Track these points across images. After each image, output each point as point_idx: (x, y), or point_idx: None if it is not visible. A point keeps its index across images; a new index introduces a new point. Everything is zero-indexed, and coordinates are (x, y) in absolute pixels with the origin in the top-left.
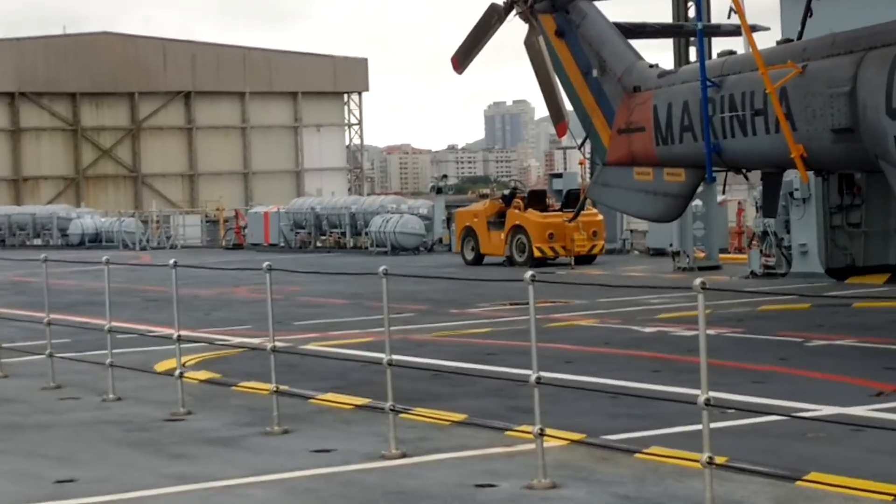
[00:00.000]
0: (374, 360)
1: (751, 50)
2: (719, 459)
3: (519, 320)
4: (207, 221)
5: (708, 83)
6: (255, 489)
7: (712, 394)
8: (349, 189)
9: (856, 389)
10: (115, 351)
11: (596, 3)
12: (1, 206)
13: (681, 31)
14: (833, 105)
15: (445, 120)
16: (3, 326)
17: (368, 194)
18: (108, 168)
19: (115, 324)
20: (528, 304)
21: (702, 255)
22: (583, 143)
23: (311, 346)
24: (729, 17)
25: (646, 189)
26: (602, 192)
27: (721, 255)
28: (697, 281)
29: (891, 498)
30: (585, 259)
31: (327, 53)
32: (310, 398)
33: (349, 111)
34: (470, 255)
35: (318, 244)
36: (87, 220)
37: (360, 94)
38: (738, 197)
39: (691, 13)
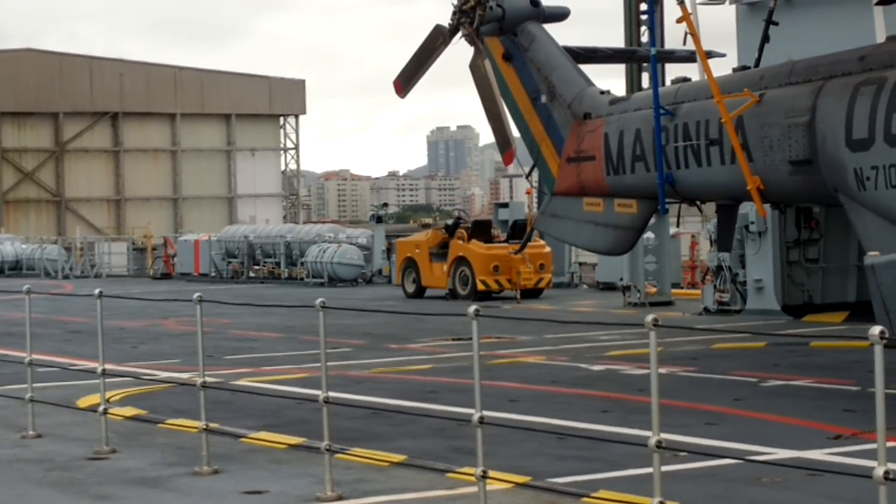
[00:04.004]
0: (309, 397)
1: (706, 77)
2: None
3: (462, 356)
4: (134, 249)
5: (661, 111)
6: None
7: (664, 436)
8: (284, 217)
9: (813, 432)
10: (35, 385)
11: (545, 27)
12: None
13: (633, 57)
14: (791, 136)
15: (386, 145)
16: None
17: (304, 222)
18: (30, 192)
19: (35, 356)
20: (471, 339)
21: (653, 290)
22: (530, 172)
23: (242, 382)
24: (684, 42)
25: (596, 220)
26: (550, 222)
27: (673, 291)
28: (649, 317)
29: None
30: (532, 293)
31: (263, 74)
32: (241, 437)
33: (285, 135)
34: (411, 288)
35: (252, 274)
36: (6, 246)
37: (296, 116)
38: (691, 230)
39: (644, 38)
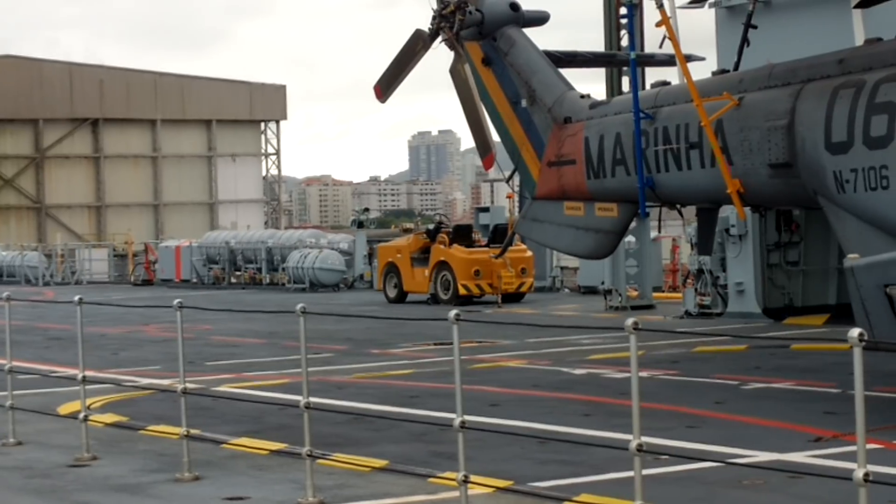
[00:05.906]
0: (290, 403)
1: (685, 80)
2: None
3: (443, 361)
4: (115, 256)
5: (641, 115)
6: None
7: (645, 439)
8: (266, 222)
9: (794, 435)
10: (15, 392)
11: (525, 31)
12: None
13: (613, 61)
14: (770, 139)
15: (367, 150)
16: None
17: (286, 228)
18: (9, 199)
19: (15, 363)
20: (452, 344)
21: (634, 293)
22: (511, 176)
23: (224, 388)
24: (661, 45)
25: (576, 224)
26: (531, 227)
27: (655, 294)
28: (630, 321)
29: None
30: (513, 297)
31: (243, 80)
32: (222, 443)
33: (266, 140)
34: (392, 293)
35: (233, 280)
36: None
37: (277, 122)
38: (672, 233)
39: (624, 42)
